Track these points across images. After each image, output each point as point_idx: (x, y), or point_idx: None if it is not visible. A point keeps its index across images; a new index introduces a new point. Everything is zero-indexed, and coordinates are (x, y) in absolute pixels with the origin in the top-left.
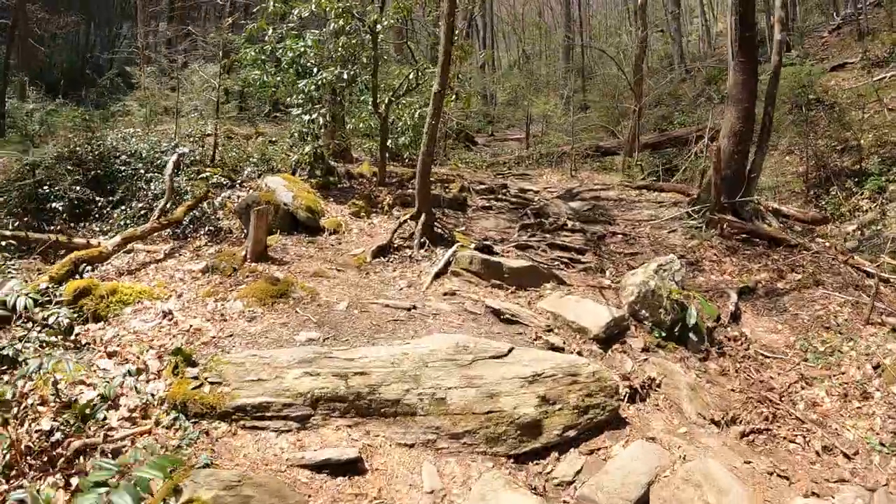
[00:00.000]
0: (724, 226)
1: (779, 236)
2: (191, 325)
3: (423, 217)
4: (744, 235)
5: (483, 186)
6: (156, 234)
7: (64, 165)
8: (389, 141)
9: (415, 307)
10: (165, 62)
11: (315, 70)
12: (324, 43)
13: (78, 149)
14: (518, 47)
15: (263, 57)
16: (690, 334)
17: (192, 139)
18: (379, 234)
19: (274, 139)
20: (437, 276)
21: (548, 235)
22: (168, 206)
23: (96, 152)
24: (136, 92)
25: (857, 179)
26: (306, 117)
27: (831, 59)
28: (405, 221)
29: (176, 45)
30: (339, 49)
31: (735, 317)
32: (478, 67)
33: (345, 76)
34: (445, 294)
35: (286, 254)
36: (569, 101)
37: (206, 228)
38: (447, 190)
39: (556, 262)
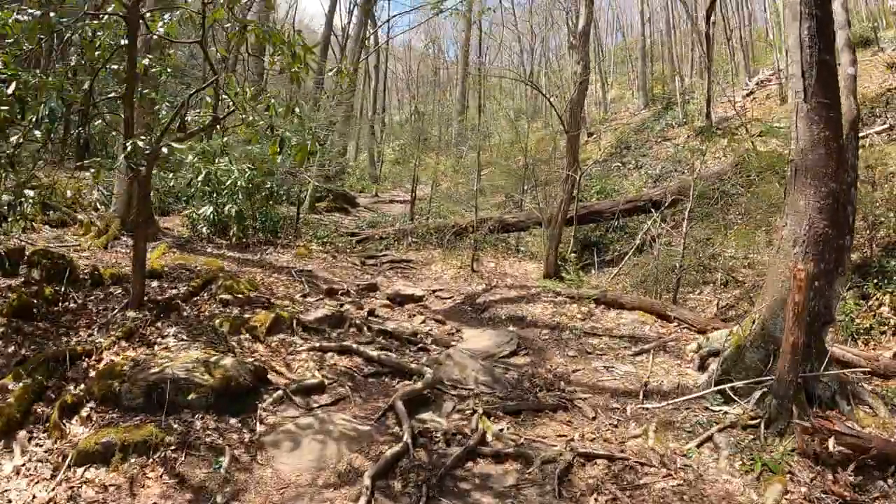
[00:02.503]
0: (812, 437)
1: None
2: None
3: None
4: (842, 450)
5: (323, 313)
6: None
7: None
8: (210, 209)
9: None
10: None
11: None
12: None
13: None
14: (410, 104)
15: None
16: None
17: None
18: None
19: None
20: None
21: None
22: None
23: None
24: None
25: (876, 280)
26: None
27: None
28: None
29: None
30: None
31: None
32: (368, 122)
33: (9, 90)
34: None
35: None
36: (470, 164)
37: None
38: (233, 342)
39: None
